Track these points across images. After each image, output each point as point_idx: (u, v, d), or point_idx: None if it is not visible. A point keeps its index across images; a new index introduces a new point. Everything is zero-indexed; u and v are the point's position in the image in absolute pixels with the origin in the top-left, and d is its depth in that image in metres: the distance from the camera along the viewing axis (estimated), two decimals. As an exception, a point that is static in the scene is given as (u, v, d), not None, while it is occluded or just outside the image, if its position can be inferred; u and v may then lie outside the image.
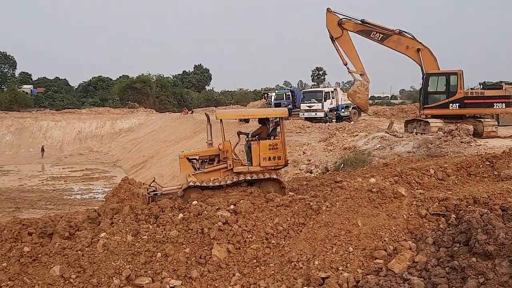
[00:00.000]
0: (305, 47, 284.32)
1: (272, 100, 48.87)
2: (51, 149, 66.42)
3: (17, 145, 71.40)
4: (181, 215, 10.89)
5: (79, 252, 9.63)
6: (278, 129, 16.82)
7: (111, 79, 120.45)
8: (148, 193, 17.18)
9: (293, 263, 9.17)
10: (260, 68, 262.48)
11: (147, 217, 11.31)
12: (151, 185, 18.28)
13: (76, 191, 36.61)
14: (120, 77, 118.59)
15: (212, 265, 9.36)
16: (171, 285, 8.92)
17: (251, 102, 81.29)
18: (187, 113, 72.55)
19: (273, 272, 9.11)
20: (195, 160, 17.08)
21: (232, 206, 11.21)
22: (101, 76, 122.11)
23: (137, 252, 9.66)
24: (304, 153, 23.34)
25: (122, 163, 53.54)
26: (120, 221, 11.07)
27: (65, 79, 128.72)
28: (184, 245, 9.96)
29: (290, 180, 16.27)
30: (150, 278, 9.13)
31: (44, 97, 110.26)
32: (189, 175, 16.59)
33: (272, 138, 16.41)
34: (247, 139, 16.95)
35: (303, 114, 41.53)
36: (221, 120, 16.39)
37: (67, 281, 9.02)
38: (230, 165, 16.18)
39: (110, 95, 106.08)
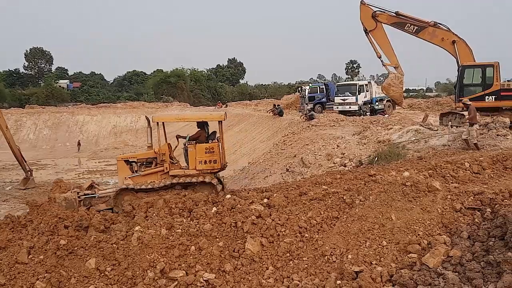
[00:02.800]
0: (339, 40, 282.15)
1: (306, 94, 48.57)
2: (87, 143, 67.24)
3: (54, 139, 72.48)
4: (214, 208, 10.94)
5: (114, 245, 9.75)
6: (218, 133, 16.85)
7: (145, 74, 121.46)
8: (78, 197, 17.28)
9: (326, 257, 9.14)
10: (294, 62, 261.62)
11: (181, 210, 11.40)
12: (87, 188, 18.39)
13: (112, 185, 36.98)
14: (154, 71, 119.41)
15: (246, 259, 9.38)
16: (204, 278, 8.96)
17: (285, 95, 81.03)
18: (221, 106, 72.71)
19: (306, 265, 9.10)
20: (134, 163, 17.18)
21: (265, 200, 11.22)
22: (135, 70, 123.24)
23: (171, 246, 9.72)
24: (338, 146, 23.17)
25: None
26: (154, 214, 11.18)
27: (100, 73, 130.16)
28: (217, 239, 10.00)
29: (323, 174, 16.17)
30: (184, 271, 9.19)
31: (80, 91, 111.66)
32: (125, 177, 16.70)
33: (210, 142, 16.45)
34: (184, 142, 16.98)
35: (337, 108, 41.22)
36: (157, 123, 16.44)
37: (103, 274, 9.13)
38: (166, 168, 16.26)
39: (145, 89, 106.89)
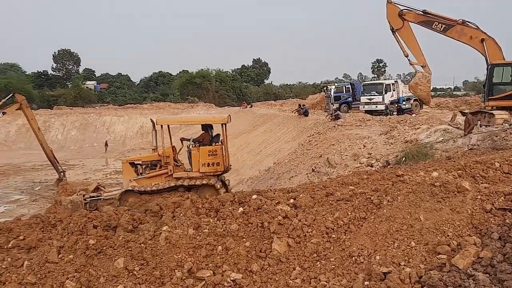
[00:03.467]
0: (365, 39, 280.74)
1: (332, 93, 48.45)
2: (114, 144, 68.00)
3: (81, 140, 73.46)
4: (241, 209, 10.95)
5: (142, 245, 9.81)
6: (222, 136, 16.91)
7: (171, 75, 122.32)
8: (84, 199, 17.43)
9: (354, 257, 9.08)
10: (320, 61, 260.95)
11: (208, 210, 11.42)
12: (94, 190, 18.51)
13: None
14: (180, 72, 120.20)
15: (273, 259, 9.37)
16: (231, 278, 8.97)
17: (310, 95, 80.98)
18: (246, 107, 72.90)
19: (333, 266, 9.06)
20: (139, 165, 17.28)
21: (291, 200, 11.19)
22: (161, 71, 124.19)
23: (198, 245, 9.76)
24: (364, 146, 23.05)
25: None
26: (181, 214, 11.23)
27: (127, 75, 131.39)
28: (244, 239, 10.01)
29: (350, 174, 16.10)
30: (211, 271, 9.21)
31: (107, 92, 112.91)
32: (130, 180, 16.84)
33: (213, 144, 16.49)
34: (188, 145, 17.05)
35: (363, 107, 41.05)
36: (161, 126, 16.52)
37: (131, 273, 9.20)
38: (170, 170, 16.33)
39: (171, 90, 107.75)
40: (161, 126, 16.54)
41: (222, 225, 10.39)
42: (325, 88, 58.03)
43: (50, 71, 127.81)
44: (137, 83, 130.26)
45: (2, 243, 10.64)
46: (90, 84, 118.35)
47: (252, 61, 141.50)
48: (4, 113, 30.53)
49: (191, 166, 16.55)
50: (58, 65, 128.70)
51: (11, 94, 30.23)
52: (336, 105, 44.60)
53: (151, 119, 18.26)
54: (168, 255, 9.51)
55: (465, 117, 17.63)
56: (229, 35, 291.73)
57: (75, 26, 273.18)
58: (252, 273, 9.17)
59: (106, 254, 9.76)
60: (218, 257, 9.56)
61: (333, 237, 9.72)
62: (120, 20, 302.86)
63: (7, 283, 9.11)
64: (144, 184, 16.44)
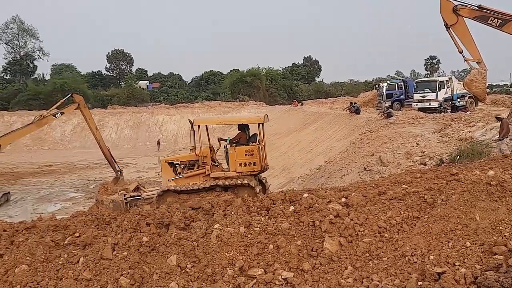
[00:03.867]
0: (418, 35, 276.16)
1: (384, 91, 47.81)
2: (166, 143, 68.86)
3: (134, 138, 74.70)
4: (292, 207, 10.93)
5: (194, 242, 9.90)
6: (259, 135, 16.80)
7: (222, 73, 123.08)
8: (125, 199, 17.54)
9: (407, 257, 8.96)
10: (371, 58, 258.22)
11: (259, 209, 11.44)
12: (134, 189, 18.64)
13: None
14: (231, 71, 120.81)
15: (324, 258, 9.32)
16: (283, 277, 8.97)
17: (362, 93, 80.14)
18: (297, 105, 72.73)
19: (386, 266, 8.96)
20: (177, 165, 17.29)
21: (343, 199, 11.11)
22: (212, 70, 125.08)
23: (250, 244, 9.78)
24: (417, 144, 22.68)
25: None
26: (232, 212, 11.28)
27: (178, 74, 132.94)
28: (295, 238, 9.98)
29: (402, 173, 15.86)
30: (262, 270, 9.22)
31: (159, 92, 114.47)
32: (169, 179, 16.87)
33: (250, 144, 16.37)
34: (225, 145, 17.00)
35: (416, 105, 40.39)
36: (198, 126, 16.49)
37: (183, 271, 9.29)
38: (208, 170, 16.30)
39: (221, 89, 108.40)
40: (198, 126, 16.69)
41: (273, 223, 10.39)
42: (377, 86, 57.36)
43: (104, 71, 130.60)
44: (188, 82, 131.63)
45: (59, 240, 10.90)
46: (143, 83, 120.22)
47: (303, 59, 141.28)
48: (62, 113, 31.27)
49: (228, 166, 16.65)
50: (112, 65, 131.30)
51: (69, 95, 30.89)
52: (388, 103, 44.02)
53: (189, 119, 18.43)
54: (219, 253, 9.56)
55: (500, 122, 17.17)
56: (280, 34, 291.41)
57: (128, 26, 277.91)
58: (303, 272, 9.15)
59: (159, 252, 9.89)
60: (270, 255, 9.56)
61: (386, 237, 9.61)
62: (171, 20, 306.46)
63: (63, 279, 9.33)
64: (182, 184, 16.61)
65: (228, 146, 16.82)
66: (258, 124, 16.86)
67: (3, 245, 10.87)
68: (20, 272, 9.61)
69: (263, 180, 18.06)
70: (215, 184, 16.28)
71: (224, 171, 16.66)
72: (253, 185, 16.03)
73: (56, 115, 30.69)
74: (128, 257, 9.66)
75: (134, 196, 18.31)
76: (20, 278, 9.47)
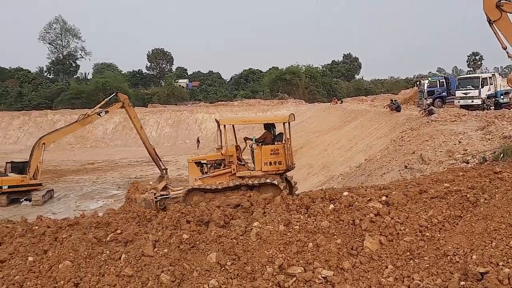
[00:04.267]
0: (460, 31, 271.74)
1: (425, 88, 47.11)
2: (205, 140, 69.27)
3: (174, 136, 75.43)
4: (332, 206, 10.89)
5: (234, 240, 9.94)
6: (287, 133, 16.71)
7: (261, 71, 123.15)
8: (155, 198, 17.64)
9: (449, 256, 8.84)
10: (412, 55, 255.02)
11: (298, 207, 11.42)
12: (162, 188, 18.74)
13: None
14: (270, 69, 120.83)
15: (364, 257, 9.26)
16: (323, 275, 8.93)
17: (402, 90, 79.34)
18: (336, 103, 72.34)
19: (427, 265, 8.85)
20: (204, 165, 17.33)
21: (384, 198, 11.02)
22: (251, 68, 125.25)
23: (289, 242, 9.77)
24: (459, 142, 22.30)
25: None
26: (272, 211, 11.28)
27: (218, 72, 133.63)
28: (335, 236, 9.94)
29: (444, 171, 15.62)
30: (302, 268, 9.20)
31: (198, 90, 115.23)
32: (196, 178, 16.92)
33: (276, 143, 16.31)
34: (251, 144, 16.96)
35: (458, 102, 39.73)
36: (224, 126, 16.48)
37: (223, 268, 9.33)
38: (234, 169, 16.27)
39: (261, 87, 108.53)
40: (224, 126, 16.80)
41: (313, 222, 10.37)
42: (418, 83, 56.59)
43: (144, 70, 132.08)
44: (227, 80, 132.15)
45: (101, 237, 11.08)
46: (183, 82, 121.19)
47: (343, 56, 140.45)
48: (107, 112, 31.76)
49: (254, 165, 16.72)
50: (152, 64, 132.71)
51: (114, 94, 31.31)
52: (429, 100, 43.44)
53: (215, 119, 18.57)
54: (259, 250, 9.58)
55: None
56: (319, 31, 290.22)
57: (168, 26, 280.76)
58: (343, 271, 9.10)
59: (199, 249, 9.96)
60: (309, 253, 9.54)
61: (427, 236, 9.50)
62: (210, 19, 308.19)
63: (106, 275, 9.47)
64: (208, 183, 16.76)
65: (254, 145, 16.91)
66: (284, 123, 16.88)
67: (47, 242, 11.11)
68: (63, 268, 9.79)
69: (291, 180, 18.07)
70: (241, 183, 16.38)
71: (250, 170, 16.76)
72: (278, 184, 16.06)
73: (101, 113, 31.19)
74: (169, 254, 9.75)
75: (163, 195, 18.59)
76: (64, 273, 9.65)
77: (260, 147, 16.53)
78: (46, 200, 33.18)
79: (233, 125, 17.86)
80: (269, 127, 17.48)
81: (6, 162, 34.61)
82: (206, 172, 17.38)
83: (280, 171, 16.58)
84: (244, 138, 18.07)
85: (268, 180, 16.13)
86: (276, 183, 16.01)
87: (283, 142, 16.86)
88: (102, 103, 31.22)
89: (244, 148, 17.94)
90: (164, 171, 29.77)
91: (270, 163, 16.35)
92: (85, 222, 12.40)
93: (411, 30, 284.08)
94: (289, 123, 16.94)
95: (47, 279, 9.73)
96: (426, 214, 9.98)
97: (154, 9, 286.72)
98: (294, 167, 17.91)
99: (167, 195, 18.59)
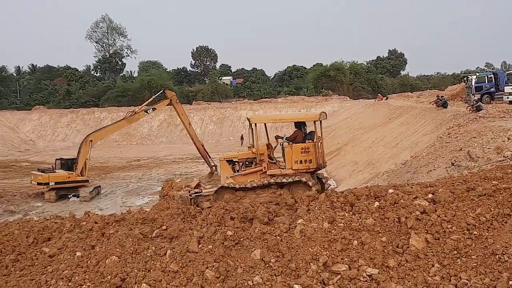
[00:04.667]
0: (509, 25, 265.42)
1: (473, 84, 46.21)
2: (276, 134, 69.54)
3: (218, 133, 75.95)
4: (377, 203, 10.79)
5: (278, 237, 9.95)
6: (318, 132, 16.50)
7: (305, 68, 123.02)
8: (190, 195, 17.65)
9: (497, 256, 8.65)
10: (459, 50, 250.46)
11: (343, 204, 11.35)
12: (195, 186, 18.77)
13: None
14: (314, 65, 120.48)
15: (410, 255, 9.15)
16: (367, 273, 8.87)
17: (449, 86, 77.91)
18: (382, 99, 71.61)
19: (475, 264, 8.68)
20: (236, 163, 17.19)
21: (430, 195, 10.86)
22: (295, 65, 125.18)
23: (333, 239, 9.73)
24: (508, 139, 21.81)
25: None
26: (316, 208, 11.25)
27: (261, 69, 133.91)
28: (380, 234, 9.85)
29: (493, 168, 15.31)
30: (346, 266, 9.15)
31: (242, 87, 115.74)
32: (227, 177, 16.82)
33: (307, 142, 16.14)
34: (281, 142, 16.85)
35: (507, 98, 38.88)
36: (255, 124, 16.37)
37: (267, 265, 9.35)
38: (265, 167, 16.12)
39: (305, 83, 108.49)
40: (255, 124, 16.83)
41: (358, 219, 10.30)
42: (465, 78, 55.57)
43: (189, 68, 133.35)
44: (271, 77, 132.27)
45: (147, 232, 11.25)
46: (226, 79, 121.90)
47: (388, 52, 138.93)
48: (154, 109, 32.15)
49: (285, 163, 16.69)
50: (197, 61, 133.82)
51: (161, 91, 31.67)
52: (477, 96, 42.60)
53: (247, 117, 18.62)
54: (303, 248, 9.57)
55: None
56: (364, 26, 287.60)
57: (212, 24, 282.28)
58: (388, 269, 9.02)
59: (243, 245, 10.00)
60: (354, 251, 9.48)
61: (475, 234, 9.32)
62: (254, 17, 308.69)
63: (151, 270, 9.60)
64: (240, 181, 16.79)
65: (285, 144, 16.90)
66: (314, 121, 16.83)
67: (95, 237, 11.33)
68: (110, 263, 9.97)
69: (323, 179, 18.01)
70: (271, 181, 16.38)
71: (281, 168, 16.74)
72: (308, 182, 16.01)
73: (148, 111, 31.56)
74: (213, 250, 9.82)
75: (197, 193, 18.80)
76: (111, 269, 9.81)
77: (290, 145, 16.66)
78: (93, 196, 33.84)
79: (264, 124, 17.93)
80: (300, 125, 17.50)
81: (56, 159, 35.47)
82: (238, 170, 17.52)
83: (311, 169, 16.64)
84: (275, 137, 18.16)
85: (297, 178, 16.13)
86: (306, 181, 16.00)
87: (314, 140, 16.80)
88: (149, 100, 31.58)
89: (275, 147, 17.99)
90: (213, 167, 29.96)
91: (301, 162, 16.43)
92: (131, 218, 12.59)
93: (458, 24, 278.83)
94: (320, 121, 16.90)
95: (94, 273, 9.92)
96: (473, 212, 9.79)
97: (200, 7, 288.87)
98: (326, 165, 17.89)
99: (200, 192, 18.79)
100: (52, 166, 35.01)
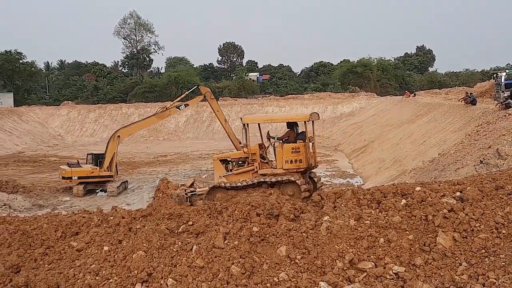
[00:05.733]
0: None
1: (502, 81, 45.44)
2: (275, 134, 69.35)
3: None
4: (404, 201, 10.72)
5: (304, 234, 9.95)
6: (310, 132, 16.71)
7: (332, 64, 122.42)
8: (186, 194, 17.73)
9: (527, 255, 8.56)
10: (489, 47, 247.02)
11: (369, 202, 11.30)
12: (190, 185, 18.86)
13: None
14: (341, 61, 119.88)
15: (437, 253, 9.08)
16: (394, 271, 8.83)
17: (478, 83, 76.88)
18: (409, 96, 70.95)
19: (504, 263, 8.58)
20: (230, 162, 17.34)
21: (458, 193, 10.76)
22: (322, 61, 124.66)
23: (360, 237, 9.71)
24: (540, 137, 21.50)
25: (343, 147, 54.10)
26: (342, 205, 11.22)
27: (288, 65, 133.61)
28: (407, 232, 9.79)
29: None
30: (372, 263, 9.12)
31: (269, 83, 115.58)
32: (220, 176, 16.97)
33: (298, 142, 16.24)
34: (273, 142, 17.01)
35: (538, 95, 38.29)
36: (247, 124, 16.52)
37: (293, 262, 9.37)
38: (256, 167, 16.23)
39: (331, 80, 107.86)
40: (247, 124, 17.06)
41: (384, 217, 10.25)
42: (495, 75, 54.75)
43: (215, 64, 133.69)
44: (298, 73, 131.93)
45: (173, 228, 11.33)
46: (253, 75, 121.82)
47: (416, 49, 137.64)
48: (186, 105, 32.03)
49: (276, 163, 16.90)
50: (223, 57, 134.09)
51: (195, 87, 31.63)
52: (507, 93, 41.90)
53: (241, 117, 18.77)
54: (329, 245, 9.56)
55: None
56: (391, 22, 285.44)
57: (237, 19, 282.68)
58: (415, 267, 8.96)
59: (268, 242, 10.02)
60: (380, 249, 9.45)
61: (503, 233, 9.21)
62: (279, 13, 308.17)
63: (177, 265, 9.67)
64: (233, 180, 17.01)
65: (276, 144, 17.10)
66: (305, 122, 17.01)
67: (122, 232, 11.45)
68: (137, 258, 10.07)
69: (315, 179, 18.16)
70: (262, 180, 16.56)
71: (273, 168, 16.93)
72: (297, 182, 16.16)
73: (180, 107, 31.45)
74: (239, 247, 9.85)
75: (192, 191, 18.98)
76: (138, 263, 9.92)
77: (281, 145, 16.84)
78: (120, 191, 34.11)
79: (258, 124, 18.22)
80: (292, 125, 17.70)
81: (87, 154, 35.78)
82: (231, 170, 17.73)
83: (301, 169, 16.86)
84: (267, 136, 18.32)
85: (287, 178, 16.31)
86: (295, 181, 16.16)
87: (305, 141, 16.98)
88: (182, 96, 31.36)
89: (268, 146, 18.18)
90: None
91: (291, 161, 16.69)
92: (158, 213, 12.69)
93: (487, 20, 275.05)
94: (312, 122, 17.08)
95: (121, 268, 10.03)
96: (502, 210, 9.68)
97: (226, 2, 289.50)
98: (317, 165, 18.02)
99: (194, 191, 18.96)
100: (77, 161, 35.46)
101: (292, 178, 16.41)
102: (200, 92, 31.02)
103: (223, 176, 17.90)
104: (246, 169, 17.55)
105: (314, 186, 18.00)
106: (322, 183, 18.94)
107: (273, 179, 16.73)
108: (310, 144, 17.54)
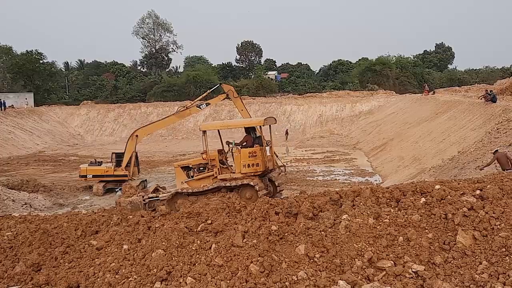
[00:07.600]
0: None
1: (523, 77, 45.23)
2: (294, 132, 69.35)
3: (264, 128, 75.83)
4: (423, 199, 10.67)
5: (323, 232, 9.95)
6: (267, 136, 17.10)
7: (350, 62, 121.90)
8: (144, 200, 17.89)
9: (547, 254, 8.48)
10: (509, 43, 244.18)
11: (388, 200, 11.26)
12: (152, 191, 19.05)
13: (318, 173, 37.47)
14: (359, 60, 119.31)
15: (457, 252, 9.03)
16: (413, 270, 8.80)
17: (498, 80, 76.07)
18: (428, 93, 70.43)
19: (524, 262, 8.52)
20: (191, 169, 17.67)
21: (477, 191, 10.68)
22: (340, 59, 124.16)
23: (379, 235, 9.68)
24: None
25: (362, 146, 53.81)
26: (361, 203, 11.19)
27: (306, 64, 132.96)
28: (426, 230, 9.75)
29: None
30: (392, 262, 9.09)
31: (287, 82, 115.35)
32: (182, 182, 17.26)
33: (255, 146, 16.52)
34: (231, 147, 17.33)
35: (559, 92, 37.94)
36: (205, 131, 16.87)
37: (312, 260, 9.37)
38: (216, 172, 16.52)
39: (350, 78, 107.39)
40: (205, 131, 17.49)
41: (403, 215, 10.22)
42: (515, 72, 54.31)
43: (234, 63, 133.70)
44: (316, 72, 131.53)
45: (192, 226, 11.39)
46: (271, 74, 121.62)
47: (435, 46, 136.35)
48: (208, 104, 31.70)
49: (235, 168, 17.31)
50: (242, 56, 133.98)
51: (218, 85, 31.47)
52: (527, 90, 41.68)
53: (199, 126, 19.18)
54: (348, 243, 9.55)
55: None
56: (410, 20, 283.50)
57: (255, 18, 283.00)
58: (435, 266, 8.92)
59: (287, 240, 10.04)
60: (399, 247, 9.42)
61: (524, 231, 9.14)
62: (298, 11, 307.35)
63: (196, 264, 9.72)
64: (194, 186, 17.37)
65: (234, 149, 17.48)
66: (260, 127, 17.41)
67: (141, 230, 11.55)
68: (156, 256, 10.14)
69: (276, 182, 18.44)
70: (221, 185, 16.93)
71: (232, 172, 17.30)
72: (255, 187, 16.52)
73: (201, 106, 31.07)
74: (258, 245, 9.87)
75: (152, 197, 19.09)
76: (157, 262, 9.98)
77: (239, 150, 17.15)
78: (140, 190, 34.17)
79: (218, 130, 18.68)
80: (249, 130, 18.05)
81: (112, 153, 35.92)
82: (192, 176, 18.11)
83: (258, 172, 17.16)
84: (226, 142, 18.65)
85: (245, 182, 16.64)
86: (253, 184, 16.50)
87: (264, 145, 17.35)
88: (204, 95, 30.85)
89: (227, 152, 18.58)
90: (282, 167, 26.87)
91: (249, 165, 17.00)
92: (176, 212, 12.77)
93: (508, 17, 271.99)
94: (270, 126, 17.52)
95: (141, 266, 10.10)
96: (523, 209, 9.60)
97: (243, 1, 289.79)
98: (275, 168, 18.34)
99: (156, 197, 19.10)
100: (95, 160, 35.62)
101: (250, 182, 16.81)
102: (222, 90, 30.78)
103: (185, 182, 18.38)
104: (206, 174, 18.12)
105: (274, 189, 18.54)
106: (283, 188, 19.50)
107: (233, 183, 17.16)
108: (268, 148, 17.92)
